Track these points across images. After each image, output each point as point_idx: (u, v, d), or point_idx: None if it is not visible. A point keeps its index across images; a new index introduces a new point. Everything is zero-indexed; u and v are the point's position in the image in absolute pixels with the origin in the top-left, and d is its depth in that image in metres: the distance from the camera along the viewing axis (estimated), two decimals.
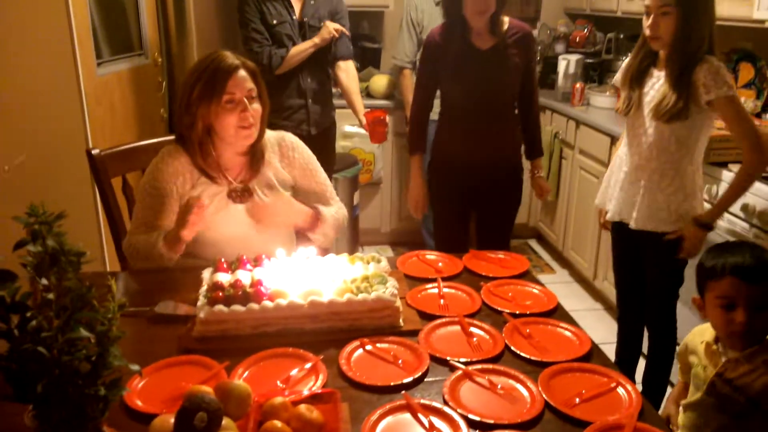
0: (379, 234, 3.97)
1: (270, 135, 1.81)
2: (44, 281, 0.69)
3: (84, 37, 2.30)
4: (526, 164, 2.48)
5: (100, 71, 2.48)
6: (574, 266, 3.59)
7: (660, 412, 1.60)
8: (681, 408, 1.51)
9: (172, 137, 2.15)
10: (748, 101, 2.86)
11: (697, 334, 1.54)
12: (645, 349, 2.30)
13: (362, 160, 3.67)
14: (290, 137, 1.85)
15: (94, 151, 1.90)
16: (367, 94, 3.86)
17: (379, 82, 3.84)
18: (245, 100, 1.63)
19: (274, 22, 2.83)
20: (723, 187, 2.24)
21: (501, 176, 2.39)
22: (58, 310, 0.70)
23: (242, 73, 1.64)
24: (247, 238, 1.67)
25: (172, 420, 0.98)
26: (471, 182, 2.39)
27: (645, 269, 2.14)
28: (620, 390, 1.23)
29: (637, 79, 2.03)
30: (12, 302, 0.72)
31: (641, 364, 2.33)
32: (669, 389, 2.20)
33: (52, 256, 0.68)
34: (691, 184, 2.00)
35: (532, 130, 2.44)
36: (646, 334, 2.28)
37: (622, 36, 3.99)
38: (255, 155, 1.75)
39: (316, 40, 2.85)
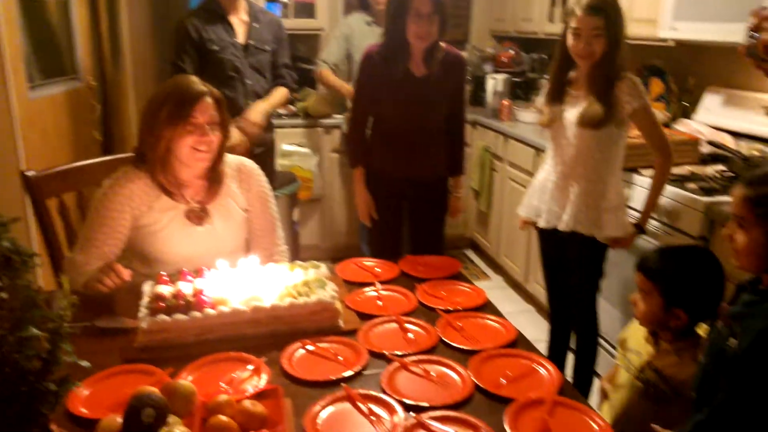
0: (319, 250, 4.03)
1: (231, 159, 1.87)
2: None
3: (15, 60, 2.29)
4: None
5: (32, 94, 2.47)
6: (508, 272, 3.76)
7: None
8: (613, 386, 1.65)
9: (108, 157, 2.18)
10: (659, 113, 3.10)
11: (637, 323, 1.68)
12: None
13: (301, 177, 3.73)
14: (251, 164, 1.90)
15: (29, 173, 1.90)
16: (305, 114, 3.94)
17: (315, 101, 3.94)
18: (206, 126, 1.68)
19: (216, 48, 2.82)
20: (636, 191, 2.44)
21: (429, 189, 2.52)
22: (10, 309, 0.75)
23: (208, 100, 1.69)
24: (204, 259, 1.68)
25: (119, 419, 1.02)
26: (402, 194, 2.52)
27: (570, 267, 2.30)
28: (542, 370, 1.34)
29: (558, 96, 2.21)
30: None
31: (571, 360, 2.48)
32: (595, 380, 2.35)
33: (6, 257, 0.73)
34: (616, 197, 2.17)
35: (456, 150, 2.54)
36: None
37: (544, 56, 4.24)
38: (213, 179, 1.79)
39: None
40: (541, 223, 2.32)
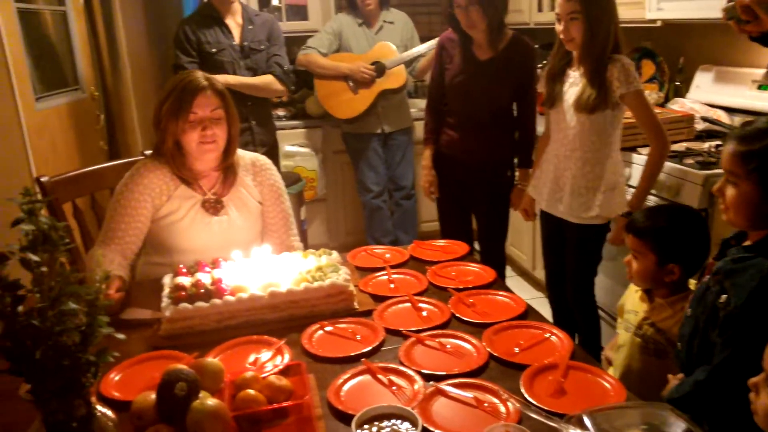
0: (327, 248, 4.06)
1: (245, 155, 1.93)
2: (36, 257, 0.78)
3: (20, 72, 2.35)
4: None
5: (38, 105, 2.52)
6: (515, 260, 3.80)
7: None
8: (615, 349, 1.70)
9: (118, 161, 2.23)
10: (653, 93, 3.15)
11: (632, 287, 1.73)
12: None
13: (305, 177, 3.78)
14: (264, 159, 1.96)
15: (44, 179, 1.95)
16: (304, 114, 3.99)
17: (315, 102, 3.98)
18: (207, 120, 1.73)
19: (213, 50, 2.91)
20: (635, 169, 2.48)
21: (491, 177, 2.60)
22: (49, 284, 0.79)
23: (209, 93, 1.73)
24: (220, 249, 1.73)
25: (152, 396, 1.06)
26: (466, 178, 2.61)
27: (567, 250, 2.34)
28: (553, 338, 1.39)
29: (557, 76, 2.25)
30: (6, 282, 0.80)
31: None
32: (601, 354, 2.39)
33: (44, 233, 0.77)
34: (613, 178, 2.21)
35: (521, 140, 2.61)
36: None
37: (536, 46, 4.28)
38: (227, 171, 1.85)
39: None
40: (542, 205, 2.36)
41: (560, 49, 2.24)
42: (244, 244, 1.74)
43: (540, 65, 4.06)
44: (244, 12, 3.02)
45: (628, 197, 2.22)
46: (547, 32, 4.02)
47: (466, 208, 2.74)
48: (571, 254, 2.33)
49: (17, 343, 0.82)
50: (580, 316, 2.41)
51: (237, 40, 2.96)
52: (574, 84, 2.19)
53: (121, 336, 0.89)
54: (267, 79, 3.02)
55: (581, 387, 1.21)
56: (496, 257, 2.72)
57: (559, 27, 2.14)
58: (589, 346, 2.43)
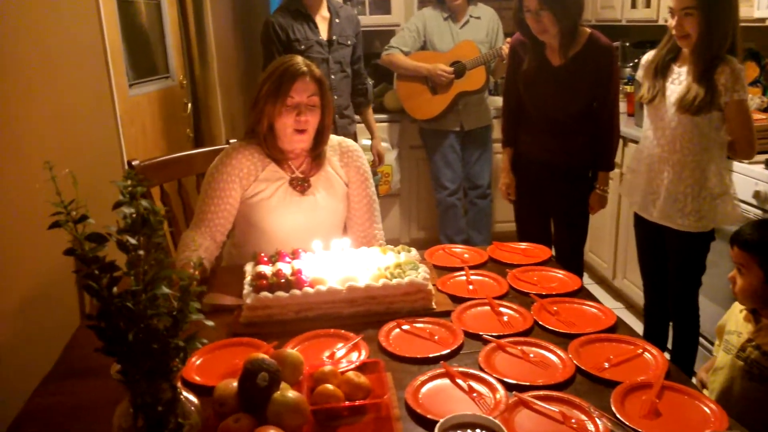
0: (399, 244, 4.05)
1: (332, 138, 1.93)
2: (134, 240, 0.79)
3: (116, 59, 2.44)
4: None
5: (131, 92, 2.62)
6: (594, 267, 3.65)
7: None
8: (711, 372, 1.58)
9: (205, 149, 2.29)
10: (755, 98, 2.93)
11: (736, 305, 1.61)
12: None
13: (380, 172, 3.77)
14: (351, 142, 1.96)
15: (135, 162, 2.02)
16: (382, 109, 3.98)
17: (393, 97, 3.96)
18: (302, 105, 1.74)
19: (302, 47, 2.93)
20: (738, 178, 2.30)
21: (569, 180, 2.50)
22: (145, 267, 0.80)
23: (307, 79, 1.75)
24: (305, 230, 1.76)
25: (234, 383, 1.07)
26: (544, 181, 2.52)
27: (668, 259, 2.21)
28: (647, 355, 1.30)
29: (661, 70, 2.13)
30: (103, 263, 0.82)
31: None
32: (693, 380, 2.25)
33: (144, 217, 0.78)
34: (718, 185, 2.06)
35: (601, 143, 2.47)
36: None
37: (627, 44, 4.09)
38: (317, 153, 1.86)
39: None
40: (635, 207, 2.24)
41: (669, 43, 2.11)
42: (328, 226, 1.76)
43: (630, 64, 3.90)
44: (329, 5, 3.03)
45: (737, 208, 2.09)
46: (640, 29, 3.84)
47: (544, 212, 2.64)
48: (672, 263, 2.20)
49: (111, 324, 0.83)
50: (677, 334, 2.27)
51: (324, 34, 2.98)
52: (678, 81, 2.06)
53: (209, 323, 0.89)
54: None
55: (677, 410, 1.13)
56: (573, 264, 2.61)
57: (671, 22, 2.01)
58: (680, 366, 2.30)
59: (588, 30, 2.37)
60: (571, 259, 2.63)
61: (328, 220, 1.86)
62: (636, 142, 2.84)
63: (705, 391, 1.61)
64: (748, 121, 2.01)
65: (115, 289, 0.85)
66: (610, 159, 2.49)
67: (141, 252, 0.79)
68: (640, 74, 2.27)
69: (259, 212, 1.81)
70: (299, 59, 1.78)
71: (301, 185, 1.83)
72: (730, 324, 1.59)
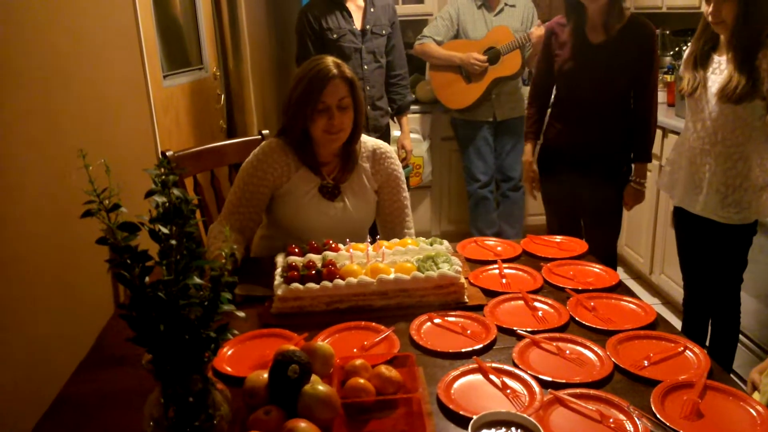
0: (430, 236, 4.02)
1: (368, 141, 1.91)
2: (166, 230, 0.78)
3: (151, 51, 2.46)
4: None
5: (165, 83, 2.64)
6: (630, 262, 3.57)
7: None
8: (765, 374, 1.51)
9: (237, 140, 2.29)
10: None
11: None
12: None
13: (411, 163, 3.74)
14: (386, 146, 1.93)
15: (168, 153, 2.03)
16: (414, 100, 3.94)
17: (426, 87, 3.93)
18: (334, 108, 1.72)
19: (335, 36, 2.92)
20: None
21: (604, 172, 2.40)
22: (177, 257, 0.79)
23: (337, 81, 1.72)
24: (332, 236, 1.73)
25: (265, 375, 1.06)
26: (575, 174, 2.42)
27: (709, 253, 2.14)
28: (688, 353, 1.25)
29: (700, 61, 2.05)
30: (135, 252, 0.81)
31: None
32: (735, 379, 2.18)
33: (176, 206, 0.77)
34: (762, 175, 1.98)
35: (639, 131, 2.37)
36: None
37: (668, 32, 3.97)
38: (348, 157, 1.83)
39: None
40: (675, 201, 2.17)
41: (705, 32, 2.03)
42: (356, 232, 1.74)
43: (671, 53, 3.78)
44: None
45: None
46: (681, 17, 3.71)
47: (575, 205, 2.54)
48: (714, 257, 2.12)
49: (142, 313, 0.83)
50: (716, 330, 2.20)
51: (358, 24, 2.95)
52: (719, 70, 1.98)
53: (241, 314, 0.88)
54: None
55: (721, 411, 1.08)
56: (605, 260, 2.53)
57: (707, 8, 1.94)
58: (719, 363, 2.23)
59: (629, 12, 2.30)
60: (603, 255, 2.55)
61: (357, 226, 1.84)
62: (677, 133, 2.75)
63: (756, 393, 1.55)
64: None
65: (147, 279, 0.85)
66: (648, 149, 2.39)
67: (173, 241, 0.78)
68: (681, 68, 2.19)
69: (288, 212, 1.81)
70: (329, 60, 1.75)
71: (331, 193, 1.82)
72: None
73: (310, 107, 1.71)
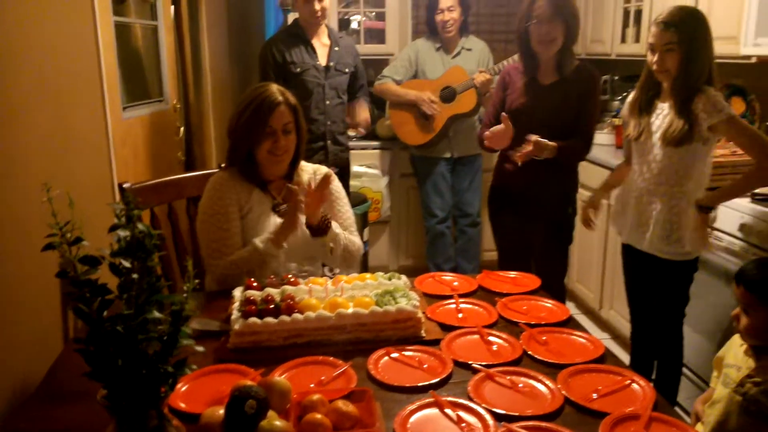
0: (388, 271, 4.05)
1: (308, 166, 2.04)
2: (127, 263, 0.79)
3: (112, 83, 2.45)
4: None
5: (125, 115, 2.62)
6: (581, 298, 3.66)
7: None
8: (708, 405, 1.57)
9: (196, 173, 2.29)
10: None
11: (736, 338, 1.62)
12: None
13: (371, 198, 3.78)
14: (325, 168, 2.05)
15: (126, 185, 2.02)
16: (374, 136, 4.01)
17: (385, 124, 4.00)
18: (279, 131, 1.84)
19: (298, 70, 2.98)
20: (721, 210, 2.35)
21: (549, 215, 2.51)
22: (139, 291, 0.80)
23: (282, 108, 1.84)
24: (290, 250, 1.85)
25: (220, 411, 1.06)
26: (522, 212, 2.53)
27: (654, 289, 2.23)
28: (635, 386, 1.30)
29: (645, 108, 2.17)
30: (95, 286, 0.81)
31: None
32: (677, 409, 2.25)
33: (139, 240, 0.78)
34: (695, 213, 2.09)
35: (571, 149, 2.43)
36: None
37: (617, 77, 4.18)
38: (293, 178, 1.95)
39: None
40: (623, 238, 2.27)
41: (648, 80, 2.16)
42: (311, 245, 1.85)
43: (619, 97, 3.97)
44: (330, 34, 3.09)
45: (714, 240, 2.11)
46: (628, 64, 3.91)
47: (525, 243, 2.62)
48: (658, 292, 2.22)
49: (100, 348, 0.82)
50: (661, 365, 2.28)
51: (323, 60, 3.03)
52: (662, 116, 2.11)
53: (200, 348, 0.89)
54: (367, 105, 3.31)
55: None
56: (554, 294, 2.59)
57: (652, 57, 2.06)
58: (664, 396, 2.30)
59: (578, 60, 2.45)
60: (552, 291, 2.61)
61: (310, 239, 1.90)
62: None
63: (699, 424, 1.61)
64: (746, 129, 2.02)
65: (105, 313, 0.85)
66: (572, 146, 2.41)
67: (135, 275, 0.79)
68: (624, 113, 2.31)
69: (248, 231, 1.88)
70: (274, 88, 1.86)
71: (281, 212, 1.91)
72: (729, 357, 1.60)
73: (258, 131, 1.81)
